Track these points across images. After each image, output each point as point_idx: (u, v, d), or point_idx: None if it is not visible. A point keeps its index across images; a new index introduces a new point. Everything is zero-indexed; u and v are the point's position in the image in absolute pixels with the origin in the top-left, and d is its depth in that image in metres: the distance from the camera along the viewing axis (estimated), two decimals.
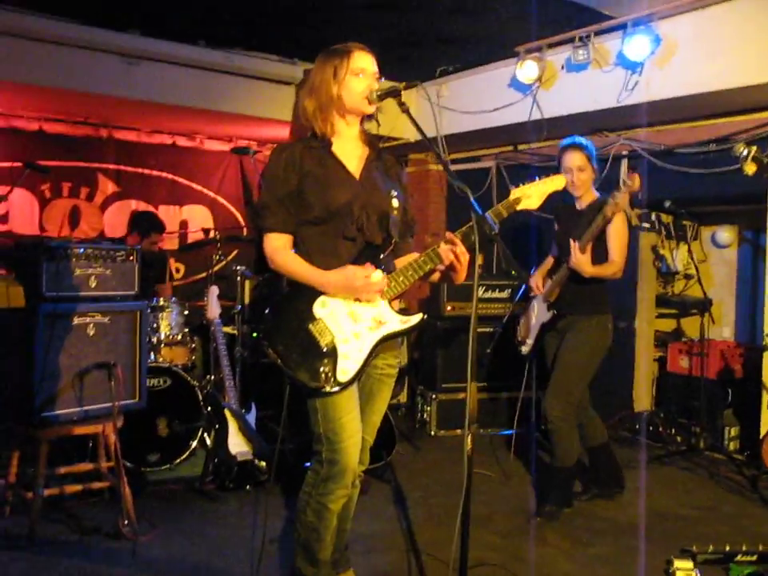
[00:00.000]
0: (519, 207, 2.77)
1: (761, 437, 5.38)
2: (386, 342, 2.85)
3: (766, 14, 4.70)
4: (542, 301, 4.50)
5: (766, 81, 4.76)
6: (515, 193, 2.77)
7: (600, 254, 4.29)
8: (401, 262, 2.91)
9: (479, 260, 2.51)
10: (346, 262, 2.79)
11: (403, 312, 2.86)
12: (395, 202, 2.90)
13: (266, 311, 2.87)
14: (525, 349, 4.67)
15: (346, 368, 2.76)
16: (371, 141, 3.00)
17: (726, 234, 6.91)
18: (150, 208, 7.11)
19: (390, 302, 2.83)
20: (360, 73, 2.84)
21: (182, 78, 6.07)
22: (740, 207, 6.45)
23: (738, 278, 6.97)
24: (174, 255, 7.16)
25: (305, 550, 2.97)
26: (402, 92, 2.78)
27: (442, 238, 2.86)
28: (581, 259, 4.18)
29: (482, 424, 6.32)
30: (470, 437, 2.46)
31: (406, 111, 2.74)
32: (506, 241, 2.62)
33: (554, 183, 2.81)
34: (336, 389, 2.75)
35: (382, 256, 2.84)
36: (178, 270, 7.31)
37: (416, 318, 2.85)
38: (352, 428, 2.82)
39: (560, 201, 4.08)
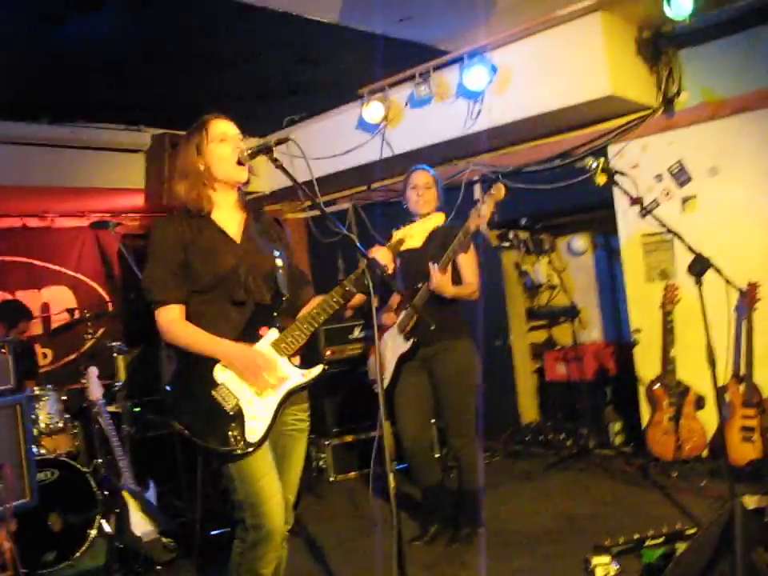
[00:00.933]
0: (403, 247, 2.83)
1: (643, 427, 5.67)
2: (291, 397, 2.86)
3: (587, 36, 5.06)
4: (398, 333, 4.37)
5: (594, 97, 5.11)
6: (398, 234, 2.83)
7: (453, 279, 4.28)
8: (305, 311, 2.92)
9: (375, 303, 2.55)
10: (238, 326, 2.83)
11: (303, 365, 2.89)
12: (279, 261, 2.94)
13: (169, 383, 2.84)
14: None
15: (254, 428, 2.75)
16: (247, 206, 3.04)
17: (580, 241, 7.27)
18: (8, 295, 6.80)
19: (289, 358, 2.85)
20: (221, 138, 2.88)
21: (27, 157, 5.90)
22: (590, 215, 6.82)
23: (598, 281, 7.35)
24: (39, 341, 6.87)
25: None
26: (274, 148, 2.81)
27: (312, 285, 2.94)
28: (442, 280, 4.10)
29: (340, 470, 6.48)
30: (391, 475, 2.50)
31: (280, 167, 2.79)
32: None
33: (434, 221, 2.88)
34: (248, 450, 2.73)
35: (275, 314, 2.87)
36: (45, 356, 7.01)
37: (317, 369, 2.88)
38: (271, 489, 2.80)
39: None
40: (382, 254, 2.75)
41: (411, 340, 4.31)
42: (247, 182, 2.97)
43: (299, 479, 3.07)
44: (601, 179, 3.89)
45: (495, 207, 4.10)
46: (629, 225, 5.80)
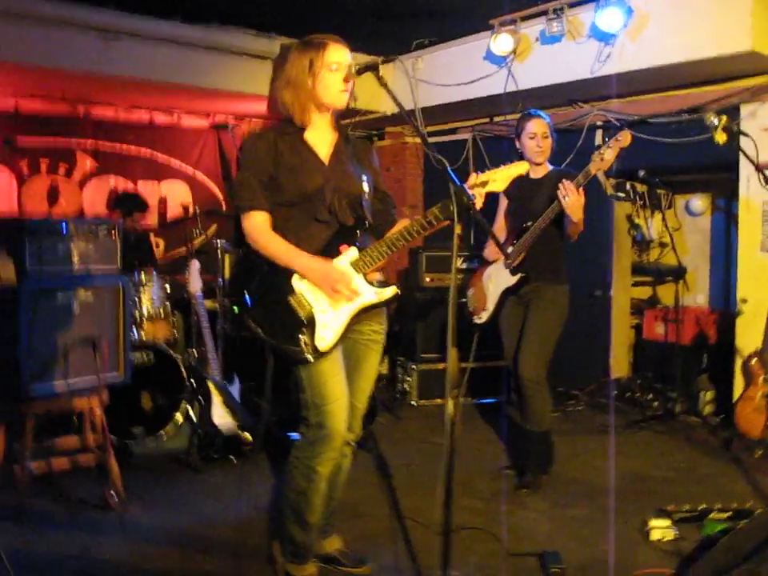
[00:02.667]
0: (486, 189, 2.81)
1: (734, 401, 5.52)
2: (364, 313, 2.97)
3: None
4: (504, 266, 4.44)
5: (734, 51, 4.85)
6: (481, 177, 2.81)
7: (557, 219, 4.26)
8: (391, 234, 2.99)
9: (458, 230, 2.56)
10: (320, 243, 2.93)
11: (380, 284, 2.98)
12: (365, 186, 3.02)
13: (248, 286, 2.98)
14: (484, 316, 4.57)
15: (325, 336, 2.88)
16: (340, 127, 3.09)
17: (699, 202, 7.02)
18: (129, 184, 7.11)
19: (365, 276, 2.93)
20: (336, 67, 2.91)
21: (158, 53, 6.04)
22: (712, 176, 6.56)
23: (712, 245, 7.10)
24: (154, 231, 7.18)
25: (294, 514, 3.05)
26: (381, 66, 2.81)
27: (419, 209, 2.96)
28: (579, 200, 4.05)
29: (423, 395, 6.56)
30: (451, 402, 2.55)
31: (385, 86, 2.78)
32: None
33: (518, 168, 2.85)
34: (315, 356, 2.86)
35: (357, 234, 2.95)
36: (157, 245, 7.29)
37: (390, 291, 2.98)
38: (337, 391, 2.92)
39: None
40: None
41: (519, 274, 4.35)
42: (346, 107, 3.01)
43: (370, 389, 3.17)
44: (721, 138, 3.75)
45: (619, 154, 4.01)
46: (751, 190, 5.55)
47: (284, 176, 2.91)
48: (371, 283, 2.95)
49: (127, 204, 6.17)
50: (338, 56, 2.92)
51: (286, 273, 2.90)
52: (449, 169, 2.60)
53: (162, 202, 7.44)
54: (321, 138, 3.03)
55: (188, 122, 7.59)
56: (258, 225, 2.93)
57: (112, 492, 4.00)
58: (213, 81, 6.43)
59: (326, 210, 2.92)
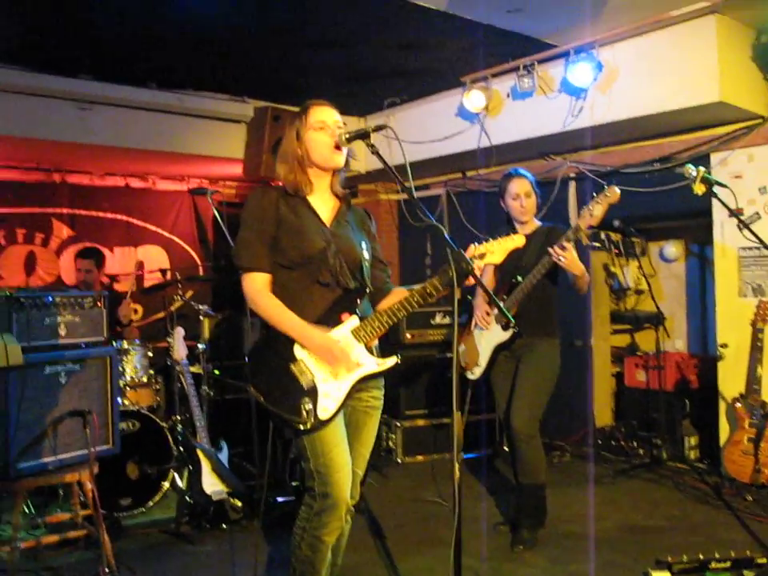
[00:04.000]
0: (484, 262, 2.85)
1: (720, 445, 5.55)
2: (364, 382, 2.98)
3: (700, 39, 4.92)
4: (495, 323, 4.48)
5: (702, 102, 4.97)
6: (480, 249, 2.85)
7: (552, 276, 4.36)
8: (385, 304, 3.03)
9: (457, 294, 2.58)
10: (321, 308, 2.92)
11: (379, 354, 3.00)
12: (365, 254, 3.05)
13: (250, 351, 2.98)
14: (476, 372, 4.61)
15: (326, 406, 2.86)
16: (343, 195, 3.12)
17: (673, 248, 7.12)
18: (106, 250, 7.07)
19: (366, 345, 2.94)
20: (320, 126, 2.96)
21: (134, 120, 6.09)
22: (685, 222, 6.67)
23: (688, 290, 7.19)
24: (132, 297, 7.12)
25: None
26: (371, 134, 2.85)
27: (395, 266, 3.01)
28: (575, 257, 4.10)
29: (438, 449, 6.51)
30: (457, 465, 2.55)
31: (376, 153, 2.83)
32: None
33: (515, 241, 2.89)
34: (317, 426, 2.84)
35: (358, 302, 2.96)
36: (136, 311, 7.27)
37: (391, 361, 3.00)
38: (341, 461, 2.89)
39: (498, 231, 3.99)
40: None
41: (511, 330, 4.40)
42: (346, 166, 3.05)
43: (369, 455, 3.15)
44: (699, 189, 3.81)
45: (607, 210, 4.09)
46: (726, 236, 5.65)
47: (286, 237, 2.90)
48: (371, 352, 2.96)
49: (95, 254, 6.21)
50: (321, 115, 2.97)
51: (289, 340, 2.88)
52: (446, 235, 2.62)
53: (140, 268, 7.38)
54: (323, 202, 3.05)
55: (163, 186, 7.63)
56: (256, 287, 2.92)
57: (105, 568, 3.90)
58: (188, 145, 6.48)
59: (328, 272, 2.91)
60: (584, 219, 4.11)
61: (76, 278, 6.14)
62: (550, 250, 4.11)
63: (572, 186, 6.66)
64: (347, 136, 2.91)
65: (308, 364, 2.87)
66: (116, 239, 7.30)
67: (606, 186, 4.10)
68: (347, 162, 3.04)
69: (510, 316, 2.84)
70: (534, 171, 6.43)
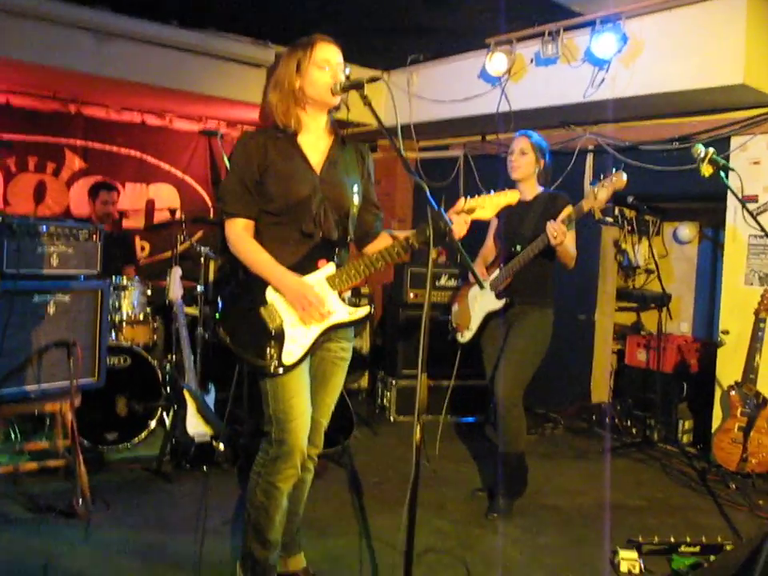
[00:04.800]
0: (473, 216, 2.81)
1: (712, 431, 5.51)
2: (334, 330, 2.95)
3: (728, 19, 4.78)
4: (489, 289, 4.46)
5: (725, 83, 4.86)
6: (470, 203, 2.80)
7: (550, 250, 4.27)
8: (371, 248, 3.02)
9: (433, 254, 2.55)
10: (299, 254, 2.88)
11: (353, 303, 2.97)
12: (355, 198, 2.98)
13: (224, 293, 2.97)
14: (467, 335, 4.62)
15: (292, 351, 2.84)
16: (335, 130, 3.03)
17: (687, 230, 7.03)
18: (117, 184, 7.08)
19: (339, 294, 2.91)
20: (324, 64, 2.86)
21: (153, 56, 6.01)
22: (701, 205, 6.57)
23: (698, 274, 7.10)
24: (139, 233, 7.14)
25: (255, 531, 3.02)
26: (366, 84, 2.79)
27: (408, 223, 2.96)
28: (561, 227, 4.04)
29: (431, 411, 6.35)
30: (419, 426, 2.54)
31: (368, 105, 2.75)
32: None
33: (507, 197, 2.84)
34: (280, 370, 2.83)
35: (336, 250, 2.92)
36: (143, 249, 7.28)
37: (363, 311, 2.96)
38: (300, 409, 2.89)
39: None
40: (458, 225, 2.75)
41: (504, 300, 4.40)
42: (338, 108, 2.98)
43: (334, 405, 3.15)
44: (707, 170, 3.73)
45: (612, 195, 4.06)
46: (738, 222, 5.55)
47: (272, 183, 2.85)
48: (344, 300, 2.92)
49: (92, 189, 6.26)
50: (327, 53, 2.88)
51: (262, 283, 2.86)
52: (428, 192, 2.57)
53: (150, 205, 7.40)
54: (314, 143, 2.97)
55: (179, 125, 7.56)
56: (237, 232, 2.89)
57: (79, 499, 3.94)
58: (206, 86, 6.40)
59: (311, 221, 2.87)
60: (588, 201, 4.10)
61: (94, 209, 6.17)
62: (548, 226, 4.06)
63: (589, 158, 6.55)
64: (342, 85, 2.84)
65: (278, 307, 2.85)
66: (128, 175, 7.27)
67: (614, 170, 4.05)
68: (338, 106, 2.97)
69: (481, 280, 2.82)
70: (553, 141, 6.40)
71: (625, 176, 4.01)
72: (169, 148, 7.54)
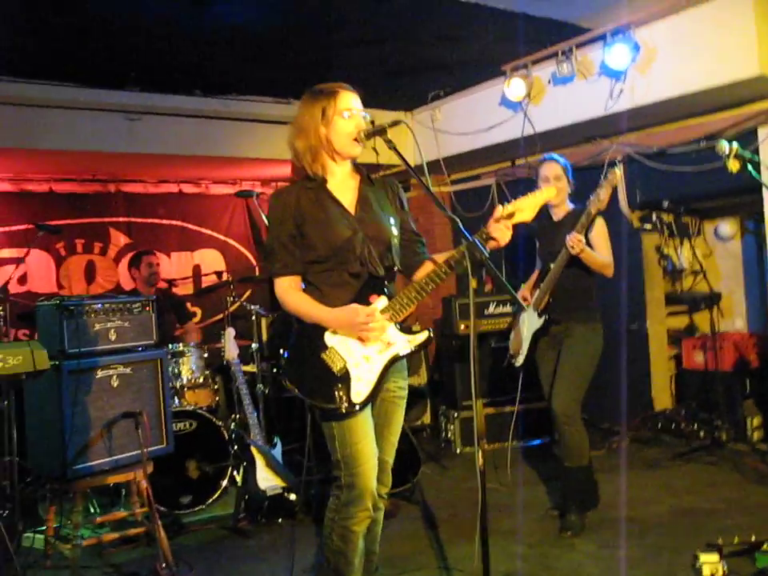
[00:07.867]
0: (514, 221, 2.86)
1: None
2: (396, 363, 2.99)
3: (736, 13, 4.81)
4: (533, 310, 4.55)
5: (742, 77, 4.87)
6: (508, 208, 2.85)
7: (579, 262, 4.33)
8: (419, 275, 3.04)
9: (473, 284, 2.62)
10: (352, 294, 2.94)
11: (410, 331, 2.98)
12: (394, 231, 3.04)
13: (285, 345, 3.04)
14: (519, 360, 4.70)
15: (359, 390, 2.90)
16: (360, 170, 3.12)
17: (727, 226, 6.98)
18: (163, 256, 7.28)
19: (396, 325, 2.95)
20: (347, 113, 2.95)
21: (182, 128, 6.25)
22: (738, 199, 6.53)
23: (745, 268, 7.03)
24: (190, 300, 7.32)
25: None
26: (388, 129, 2.89)
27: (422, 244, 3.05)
28: (576, 237, 4.16)
29: (499, 438, 6.33)
30: (480, 452, 2.59)
31: (393, 148, 2.86)
32: (501, 252, 2.75)
33: (544, 194, 2.91)
34: (352, 409, 2.88)
35: (385, 283, 2.98)
36: (195, 314, 7.45)
37: (422, 336, 2.98)
38: (368, 452, 2.95)
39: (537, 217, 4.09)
40: (499, 232, 2.80)
41: (544, 317, 4.48)
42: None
43: (397, 443, 3.18)
44: (734, 166, 3.74)
45: (612, 191, 4.20)
46: None
47: (312, 232, 2.93)
48: (402, 330, 2.96)
49: (132, 260, 6.39)
50: (349, 102, 2.97)
51: (318, 330, 2.92)
52: (460, 225, 2.66)
53: (196, 271, 7.59)
54: (343, 186, 3.05)
55: (215, 190, 7.79)
56: (284, 288, 2.98)
57: (162, 563, 4.04)
58: (235, 149, 6.61)
59: (357, 261, 2.93)
60: (594, 204, 4.21)
61: (141, 277, 6.22)
62: (566, 239, 4.18)
63: (619, 168, 6.56)
64: (365, 132, 2.93)
65: (339, 350, 2.90)
66: (172, 244, 7.51)
67: (608, 169, 4.15)
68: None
69: (519, 301, 2.88)
70: (581, 156, 6.47)
71: (618, 170, 4.14)
72: (208, 213, 7.76)
